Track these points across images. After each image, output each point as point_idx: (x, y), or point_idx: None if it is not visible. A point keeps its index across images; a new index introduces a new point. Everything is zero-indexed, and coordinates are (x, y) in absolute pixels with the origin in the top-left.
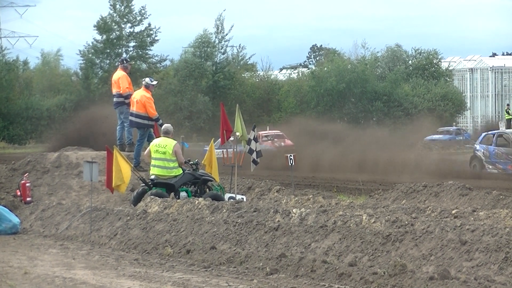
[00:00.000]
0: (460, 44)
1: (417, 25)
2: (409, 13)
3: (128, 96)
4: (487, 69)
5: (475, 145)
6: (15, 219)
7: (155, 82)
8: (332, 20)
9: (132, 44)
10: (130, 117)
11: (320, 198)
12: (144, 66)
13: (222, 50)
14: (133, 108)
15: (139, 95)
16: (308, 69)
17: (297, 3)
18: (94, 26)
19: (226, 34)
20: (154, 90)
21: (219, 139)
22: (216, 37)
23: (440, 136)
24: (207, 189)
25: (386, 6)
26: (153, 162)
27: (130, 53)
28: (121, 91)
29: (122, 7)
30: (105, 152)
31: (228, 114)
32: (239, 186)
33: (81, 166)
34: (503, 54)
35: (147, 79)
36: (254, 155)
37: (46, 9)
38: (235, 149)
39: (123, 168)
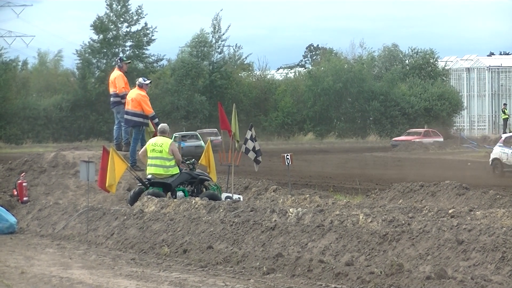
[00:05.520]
0: (459, 44)
1: (417, 25)
2: (408, 13)
3: (124, 96)
4: (483, 68)
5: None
6: (12, 219)
7: (148, 82)
8: (332, 20)
9: (128, 43)
10: (126, 116)
11: (317, 198)
12: (140, 65)
13: (219, 50)
14: (128, 107)
15: (134, 93)
16: (305, 68)
17: (297, 3)
18: (90, 26)
19: (223, 34)
20: (150, 90)
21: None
22: (213, 37)
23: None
24: (204, 189)
25: (386, 6)
26: (149, 161)
27: (127, 52)
28: (117, 91)
29: (119, 7)
30: (102, 152)
31: (225, 114)
32: (236, 186)
33: (77, 165)
34: (500, 54)
35: (140, 79)
36: (251, 154)
37: (47, 9)
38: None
39: (117, 168)
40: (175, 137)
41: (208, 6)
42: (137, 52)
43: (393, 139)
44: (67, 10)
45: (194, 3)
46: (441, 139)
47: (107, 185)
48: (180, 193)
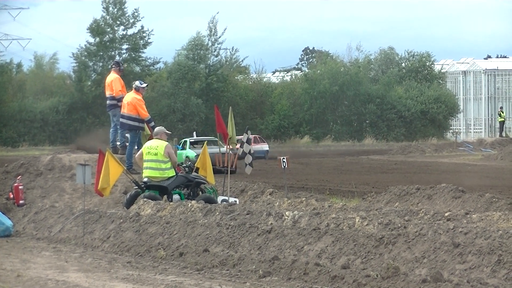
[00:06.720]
0: (456, 46)
1: (413, 27)
2: (405, 16)
3: (120, 99)
4: (480, 71)
5: None
6: (8, 222)
7: (144, 85)
8: (329, 23)
9: (125, 46)
10: (121, 119)
11: (313, 201)
12: (137, 68)
13: (215, 53)
14: (124, 110)
15: (130, 97)
16: (301, 71)
17: (296, 5)
18: (87, 29)
19: (219, 37)
20: (146, 93)
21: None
22: (209, 40)
23: None
24: (200, 192)
25: (383, 9)
26: (145, 164)
27: (123, 55)
28: (114, 94)
29: (115, 10)
30: (98, 155)
31: (221, 117)
32: (232, 189)
33: (74, 168)
34: (497, 57)
35: (136, 82)
36: (247, 158)
37: (44, 12)
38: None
39: (113, 171)
40: (184, 141)
41: (205, 8)
42: (133, 55)
43: None
44: (64, 13)
45: (191, 5)
46: (266, 147)
47: (99, 187)
48: (176, 196)
